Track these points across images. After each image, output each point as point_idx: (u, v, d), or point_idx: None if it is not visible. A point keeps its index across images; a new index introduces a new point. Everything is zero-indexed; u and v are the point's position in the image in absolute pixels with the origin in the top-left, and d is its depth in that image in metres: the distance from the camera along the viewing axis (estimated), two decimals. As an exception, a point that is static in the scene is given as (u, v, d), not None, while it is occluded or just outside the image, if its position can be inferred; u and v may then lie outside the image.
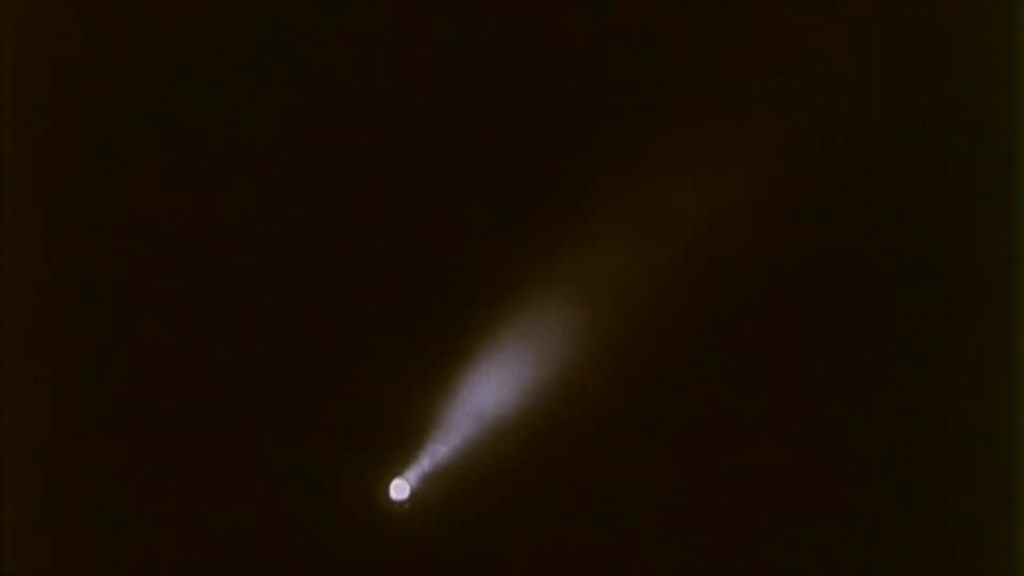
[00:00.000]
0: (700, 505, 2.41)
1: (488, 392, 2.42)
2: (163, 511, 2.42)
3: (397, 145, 2.45)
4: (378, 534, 2.42)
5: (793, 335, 2.43)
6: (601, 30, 2.45)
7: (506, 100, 2.45)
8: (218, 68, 2.45)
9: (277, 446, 2.43)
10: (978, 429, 2.41)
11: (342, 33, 2.45)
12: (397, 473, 2.42)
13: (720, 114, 2.45)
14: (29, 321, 2.44)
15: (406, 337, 2.43)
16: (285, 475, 2.42)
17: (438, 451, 2.41)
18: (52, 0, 2.47)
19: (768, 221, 2.44)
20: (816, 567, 2.40)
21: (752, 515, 2.40)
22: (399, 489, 2.42)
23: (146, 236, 2.44)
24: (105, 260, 2.44)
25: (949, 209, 2.46)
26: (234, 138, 2.45)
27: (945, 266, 2.45)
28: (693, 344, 2.43)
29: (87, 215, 2.45)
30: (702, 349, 2.43)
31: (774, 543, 2.41)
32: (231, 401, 2.43)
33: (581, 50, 2.45)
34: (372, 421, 2.43)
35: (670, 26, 2.45)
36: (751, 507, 2.40)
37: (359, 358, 2.43)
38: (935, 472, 2.41)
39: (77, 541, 2.41)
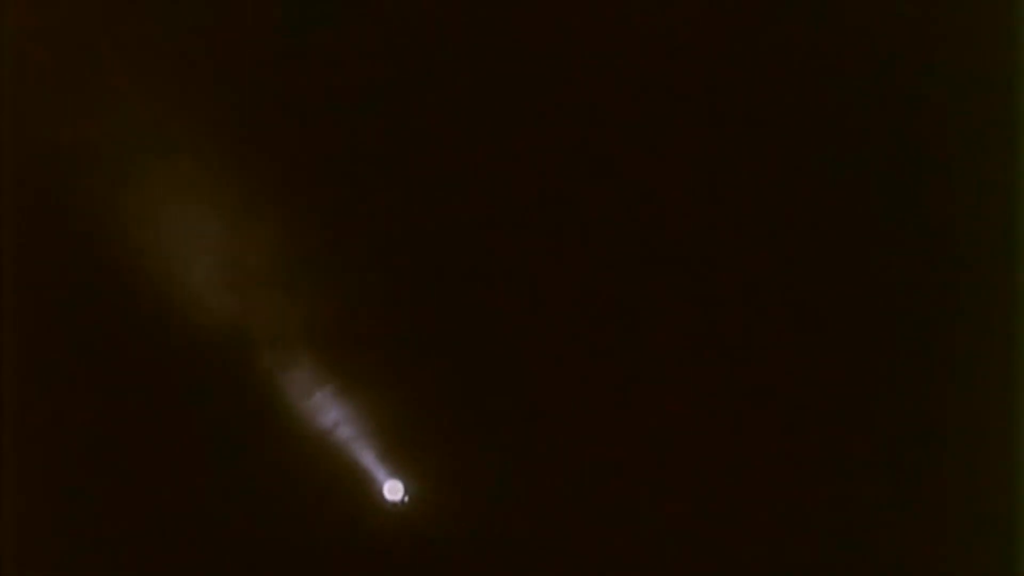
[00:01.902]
0: (699, 505, 2.40)
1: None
2: (159, 513, 2.42)
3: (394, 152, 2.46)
4: (373, 536, 2.42)
5: (791, 334, 2.43)
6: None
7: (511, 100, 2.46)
8: (221, 68, 2.47)
9: (273, 447, 2.43)
10: (978, 429, 2.41)
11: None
12: (392, 474, 2.42)
13: (719, 110, 2.46)
14: (29, 322, 2.45)
15: (403, 336, 2.44)
16: (281, 476, 2.42)
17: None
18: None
19: (765, 220, 2.44)
20: (816, 567, 2.39)
21: (750, 515, 2.40)
22: (393, 490, 2.42)
23: (146, 236, 2.45)
24: (105, 261, 2.45)
25: (949, 209, 2.46)
26: (236, 138, 2.46)
27: (945, 266, 2.45)
28: (689, 342, 2.43)
29: (88, 216, 2.46)
30: (698, 348, 2.42)
31: (772, 542, 2.40)
32: (227, 403, 2.43)
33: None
34: (368, 421, 2.43)
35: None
36: (749, 507, 2.40)
37: (354, 358, 2.44)
38: (935, 472, 2.41)
39: (75, 540, 2.42)
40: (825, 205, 2.46)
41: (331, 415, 2.43)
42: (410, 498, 2.42)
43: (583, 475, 2.41)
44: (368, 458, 2.42)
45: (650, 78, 2.46)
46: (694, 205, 2.45)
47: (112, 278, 2.44)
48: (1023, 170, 2.46)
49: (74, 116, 2.47)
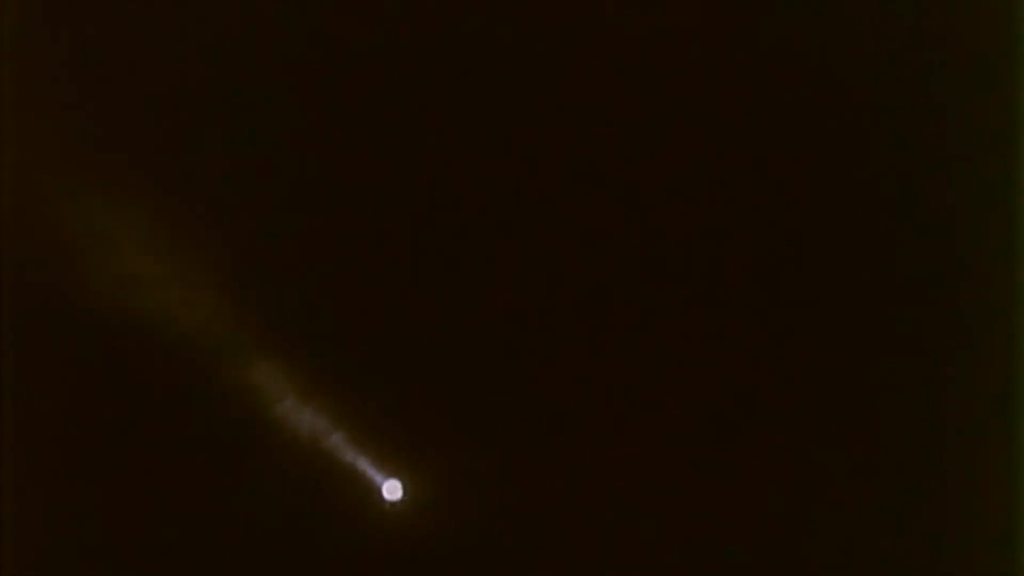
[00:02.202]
0: (699, 504, 2.40)
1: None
2: (160, 513, 2.41)
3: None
4: (372, 535, 2.42)
5: (791, 334, 2.42)
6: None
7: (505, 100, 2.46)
8: (219, 66, 2.47)
9: (272, 447, 2.43)
10: (978, 429, 2.41)
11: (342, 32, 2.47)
12: (390, 474, 2.42)
13: (720, 110, 2.46)
14: (29, 322, 2.45)
15: (401, 337, 2.44)
16: (280, 476, 2.42)
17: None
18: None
19: (765, 219, 2.44)
20: (816, 567, 2.39)
21: (750, 515, 2.39)
22: (392, 490, 2.42)
23: (146, 235, 2.45)
24: (105, 260, 2.45)
25: (949, 209, 2.45)
26: (234, 137, 2.46)
27: (946, 266, 2.44)
28: (689, 342, 2.42)
29: (88, 214, 2.46)
30: (698, 348, 2.42)
31: (772, 543, 2.40)
32: (227, 405, 2.43)
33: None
34: (367, 421, 2.43)
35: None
36: (749, 507, 2.39)
37: (352, 358, 2.44)
38: (935, 472, 2.41)
39: (75, 540, 2.42)
40: (825, 205, 2.45)
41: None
42: (409, 498, 2.42)
43: (581, 475, 2.41)
44: (366, 459, 2.42)
45: (650, 78, 2.46)
46: (694, 205, 2.45)
47: (109, 283, 2.44)
48: (1023, 170, 2.45)
49: (69, 117, 2.47)
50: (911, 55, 2.48)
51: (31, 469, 2.42)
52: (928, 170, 2.46)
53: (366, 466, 2.43)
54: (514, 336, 2.43)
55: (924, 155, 2.46)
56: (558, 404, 2.42)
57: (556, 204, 2.44)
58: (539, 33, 2.46)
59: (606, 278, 2.44)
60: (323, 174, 2.45)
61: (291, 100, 2.45)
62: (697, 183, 2.45)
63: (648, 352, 2.43)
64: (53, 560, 2.42)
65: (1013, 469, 2.39)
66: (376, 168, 2.45)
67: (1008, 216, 2.44)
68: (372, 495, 2.42)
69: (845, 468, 2.41)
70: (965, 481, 2.41)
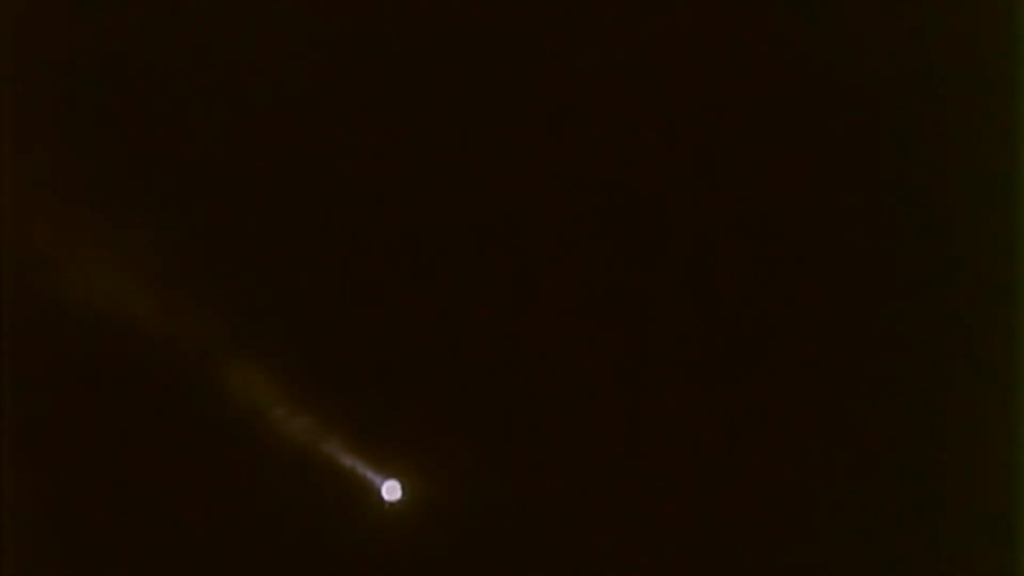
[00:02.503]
0: (700, 505, 2.40)
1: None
2: (160, 513, 2.41)
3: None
4: (371, 535, 2.42)
5: (791, 334, 2.42)
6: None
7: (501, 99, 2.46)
8: (218, 67, 2.47)
9: (271, 447, 2.42)
10: (978, 429, 2.41)
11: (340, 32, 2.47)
12: (389, 474, 2.42)
13: (719, 111, 2.45)
14: (29, 321, 2.45)
15: (400, 336, 2.43)
16: (279, 476, 2.42)
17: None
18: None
19: (765, 220, 2.43)
20: (816, 567, 2.39)
21: (749, 515, 2.39)
22: (391, 490, 2.42)
23: (145, 237, 2.45)
24: (105, 261, 2.45)
25: (950, 209, 2.45)
26: (233, 136, 2.46)
27: (946, 266, 2.44)
28: (688, 343, 2.42)
29: (87, 211, 2.46)
30: (697, 348, 2.42)
31: (772, 543, 2.39)
32: (226, 403, 2.43)
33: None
34: (366, 421, 2.43)
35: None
36: (748, 507, 2.39)
37: (351, 358, 2.44)
38: (935, 472, 2.41)
39: (75, 539, 2.42)
40: (825, 205, 2.45)
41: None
42: (408, 498, 2.42)
43: (581, 475, 2.41)
44: (365, 459, 2.42)
45: (649, 78, 2.46)
46: (693, 204, 2.45)
47: (108, 283, 2.45)
48: (1023, 170, 2.45)
49: (69, 117, 2.47)
50: (911, 55, 2.48)
51: (30, 469, 2.42)
52: (928, 170, 2.46)
53: (365, 467, 2.42)
54: (514, 335, 2.43)
55: (924, 155, 2.46)
56: (558, 404, 2.42)
57: (556, 202, 2.44)
58: (538, 33, 2.46)
59: (605, 277, 2.44)
60: (322, 175, 2.45)
61: (291, 105, 2.46)
62: (696, 182, 2.45)
63: (649, 351, 2.43)
64: (53, 560, 2.42)
65: (1013, 469, 2.39)
66: (374, 167, 2.45)
67: (1008, 216, 2.44)
68: (371, 495, 2.43)
69: (845, 468, 2.41)
70: (965, 481, 2.41)
